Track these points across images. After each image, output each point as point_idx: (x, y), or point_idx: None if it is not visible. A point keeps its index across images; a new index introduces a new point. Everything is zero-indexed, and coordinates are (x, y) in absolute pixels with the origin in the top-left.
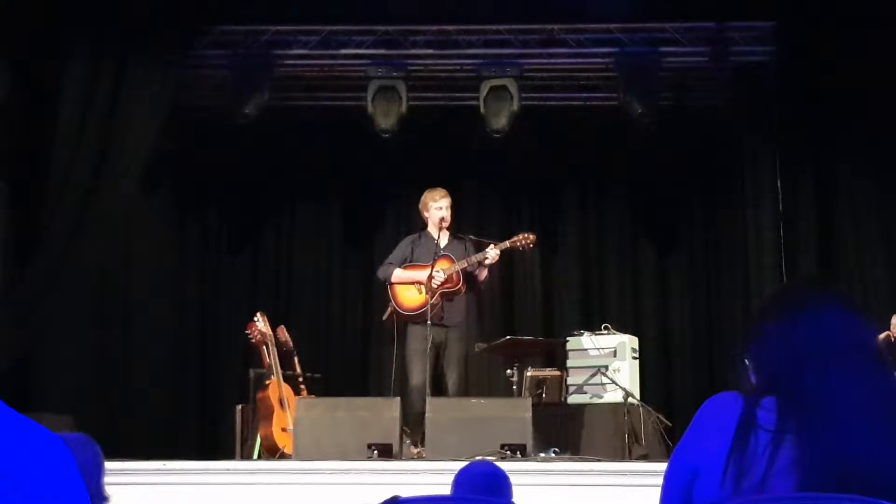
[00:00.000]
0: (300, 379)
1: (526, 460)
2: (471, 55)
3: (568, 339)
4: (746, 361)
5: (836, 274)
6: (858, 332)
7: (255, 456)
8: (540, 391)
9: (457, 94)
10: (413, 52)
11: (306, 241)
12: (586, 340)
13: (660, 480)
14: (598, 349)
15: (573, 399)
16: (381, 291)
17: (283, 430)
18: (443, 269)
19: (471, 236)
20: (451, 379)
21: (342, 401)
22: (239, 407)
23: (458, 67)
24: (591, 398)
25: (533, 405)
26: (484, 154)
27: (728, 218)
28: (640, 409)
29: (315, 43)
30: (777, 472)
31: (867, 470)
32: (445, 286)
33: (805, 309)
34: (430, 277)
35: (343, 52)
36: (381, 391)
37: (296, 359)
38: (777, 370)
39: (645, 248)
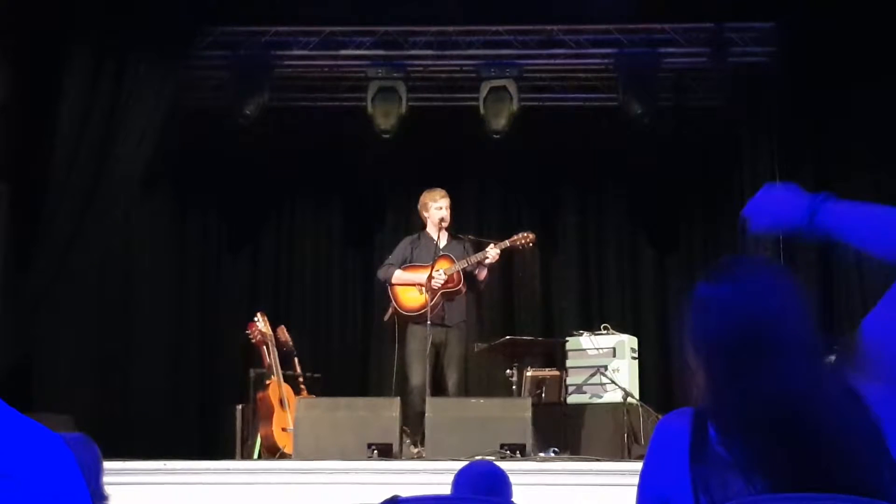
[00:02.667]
0: (300, 379)
1: (526, 460)
2: (470, 56)
3: (567, 339)
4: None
5: (835, 274)
6: (796, 308)
7: (256, 456)
8: (539, 391)
9: (457, 95)
10: (413, 52)
11: (306, 241)
12: (585, 340)
13: None
14: (597, 349)
15: (573, 399)
16: (382, 292)
17: (284, 429)
18: (443, 269)
19: (470, 236)
20: (452, 379)
21: (342, 401)
22: (239, 407)
23: (457, 68)
24: (590, 398)
25: (532, 405)
26: (484, 154)
27: (728, 218)
28: (640, 408)
29: (315, 43)
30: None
31: (830, 473)
32: (446, 286)
33: (745, 274)
34: (430, 278)
35: (343, 52)
36: (381, 391)
37: (296, 359)
38: (709, 340)
39: (644, 247)
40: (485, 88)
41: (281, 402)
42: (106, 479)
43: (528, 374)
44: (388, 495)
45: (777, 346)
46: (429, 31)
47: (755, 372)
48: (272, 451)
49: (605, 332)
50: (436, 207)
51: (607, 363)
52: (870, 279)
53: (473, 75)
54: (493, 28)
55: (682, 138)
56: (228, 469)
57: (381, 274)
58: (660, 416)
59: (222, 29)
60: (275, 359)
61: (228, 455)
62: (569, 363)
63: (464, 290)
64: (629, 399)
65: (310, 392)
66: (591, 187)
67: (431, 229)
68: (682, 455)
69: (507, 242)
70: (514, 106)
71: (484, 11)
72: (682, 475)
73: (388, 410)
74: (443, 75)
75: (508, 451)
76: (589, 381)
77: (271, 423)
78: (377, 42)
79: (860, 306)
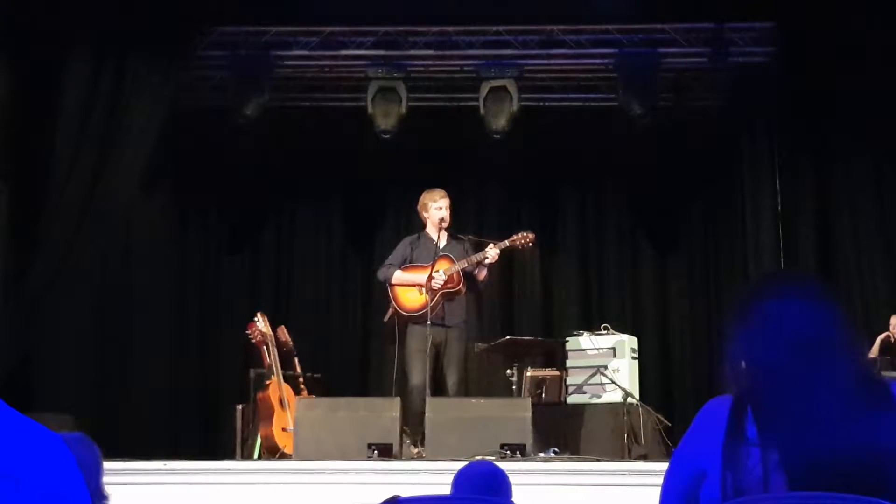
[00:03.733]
0: (300, 379)
1: (526, 460)
2: (470, 56)
3: (567, 339)
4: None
5: (835, 274)
6: (824, 322)
7: (256, 456)
8: (539, 391)
9: (457, 95)
10: (413, 52)
11: (306, 241)
12: (585, 340)
13: (659, 480)
14: (597, 349)
15: (573, 399)
16: (382, 292)
17: (284, 429)
18: (443, 270)
19: (470, 236)
20: (451, 379)
21: (342, 401)
22: (239, 407)
23: (457, 68)
24: (590, 398)
25: (533, 405)
26: (484, 154)
27: (727, 218)
28: (640, 408)
29: (315, 44)
30: (768, 482)
31: (845, 470)
32: (446, 286)
33: (766, 303)
34: (430, 279)
35: (343, 52)
36: (381, 391)
37: (296, 359)
38: (749, 367)
39: (644, 248)
40: (485, 88)
41: (281, 402)
42: (106, 479)
43: (528, 374)
44: (388, 495)
45: (818, 350)
46: (429, 31)
47: (796, 371)
48: (272, 451)
49: (605, 332)
50: (435, 207)
51: (607, 363)
52: (869, 281)
53: (473, 75)
54: (493, 28)
55: (682, 138)
56: (228, 469)
57: (380, 274)
58: (660, 416)
59: (222, 29)
60: (275, 359)
61: (228, 455)
62: (569, 363)
63: (464, 290)
64: (629, 399)
65: (310, 392)
66: (591, 187)
67: (431, 229)
68: (721, 433)
69: (506, 242)
70: (514, 106)
71: (484, 11)
72: (719, 451)
73: (388, 410)
74: (443, 75)
75: (508, 451)
76: (589, 381)
77: (271, 423)
78: (377, 42)
79: (860, 308)
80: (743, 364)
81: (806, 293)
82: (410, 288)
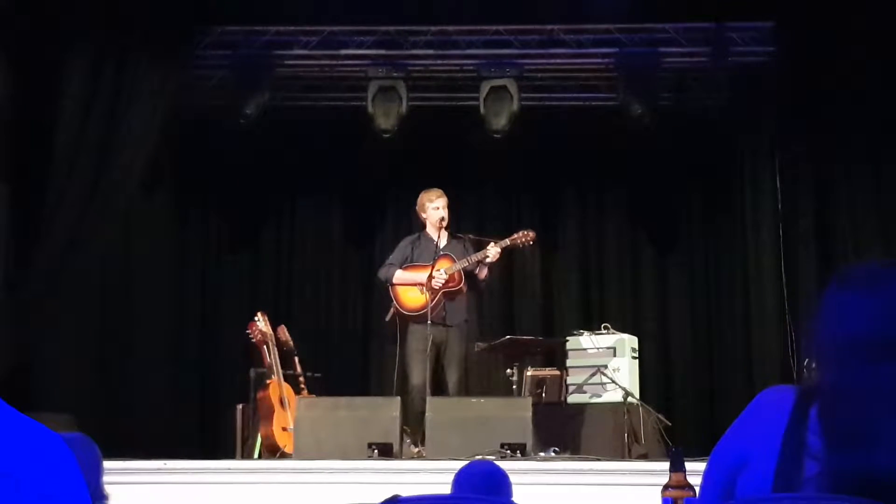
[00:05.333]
0: (300, 378)
1: (526, 460)
2: (471, 55)
3: (567, 338)
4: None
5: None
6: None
7: (256, 455)
8: (540, 391)
9: (457, 95)
10: (413, 52)
11: (306, 241)
12: (586, 340)
13: (659, 480)
14: (597, 348)
15: (573, 398)
16: (382, 291)
17: (284, 429)
18: (444, 269)
19: (470, 235)
20: (452, 378)
21: (343, 400)
22: (239, 406)
23: (458, 68)
24: (590, 397)
25: (533, 405)
26: (484, 154)
27: (728, 218)
28: (640, 408)
29: (315, 43)
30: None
31: None
32: (447, 286)
33: (880, 282)
34: (431, 278)
35: (343, 52)
36: (381, 391)
37: (296, 358)
38: (839, 339)
39: (645, 247)
40: (485, 88)
41: (281, 401)
42: (106, 479)
43: (529, 373)
44: (388, 495)
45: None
46: (429, 31)
47: (879, 371)
48: (272, 451)
49: (605, 331)
50: (433, 208)
51: (607, 362)
52: None
53: (473, 75)
54: (493, 28)
55: (681, 138)
56: (229, 469)
57: (381, 274)
58: (660, 416)
59: (222, 29)
60: (275, 358)
61: (228, 455)
62: (569, 363)
63: (465, 289)
64: (629, 398)
65: (310, 391)
66: (591, 187)
67: (431, 229)
68: (778, 426)
69: (507, 241)
70: (515, 105)
71: (484, 11)
72: (769, 442)
73: (388, 410)
74: (443, 75)
75: (509, 451)
76: (589, 381)
77: (272, 423)
78: (377, 42)
79: None
80: (812, 360)
81: (879, 282)
82: (411, 287)
